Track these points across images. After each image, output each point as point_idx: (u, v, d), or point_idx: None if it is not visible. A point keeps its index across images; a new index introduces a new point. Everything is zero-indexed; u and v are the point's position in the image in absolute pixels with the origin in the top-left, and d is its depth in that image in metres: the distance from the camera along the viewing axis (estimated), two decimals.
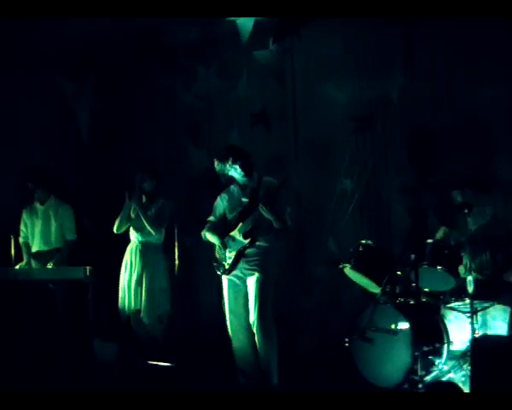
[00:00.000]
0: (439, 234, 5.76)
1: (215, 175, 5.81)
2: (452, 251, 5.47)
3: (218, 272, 5.54)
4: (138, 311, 6.10)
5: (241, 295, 5.48)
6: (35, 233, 6.42)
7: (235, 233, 5.43)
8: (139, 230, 6.13)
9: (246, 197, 5.47)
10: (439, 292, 5.60)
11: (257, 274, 5.38)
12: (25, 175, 6.33)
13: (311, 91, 6.64)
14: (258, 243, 5.39)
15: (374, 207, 6.45)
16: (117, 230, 6.13)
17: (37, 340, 5.63)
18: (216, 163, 5.48)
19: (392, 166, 6.39)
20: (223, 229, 5.50)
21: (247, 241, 5.36)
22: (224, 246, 5.45)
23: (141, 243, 6.13)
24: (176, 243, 6.04)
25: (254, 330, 5.38)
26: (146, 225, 6.05)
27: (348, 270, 5.71)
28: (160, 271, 6.17)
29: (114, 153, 6.97)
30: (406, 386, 5.28)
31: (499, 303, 5.41)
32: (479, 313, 5.34)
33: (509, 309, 5.38)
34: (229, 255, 5.46)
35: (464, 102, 6.04)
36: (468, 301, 5.36)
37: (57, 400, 4.76)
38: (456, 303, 5.52)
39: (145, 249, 6.12)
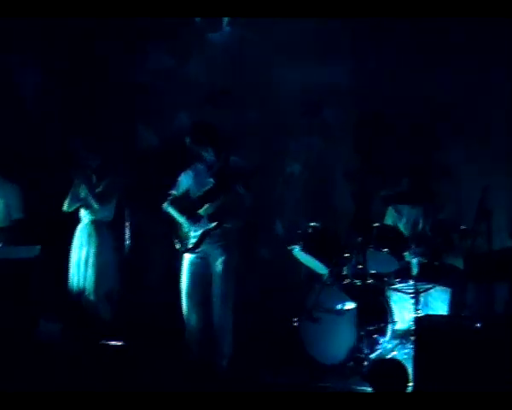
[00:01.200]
0: (388, 219, 5.97)
1: (163, 153, 5.79)
2: (397, 234, 5.73)
3: (179, 249, 5.54)
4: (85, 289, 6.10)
5: (198, 273, 5.51)
6: None
7: (202, 212, 5.44)
8: (88, 208, 6.08)
9: (212, 177, 5.46)
10: (384, 274, 5.84)
11: (223, 256, 5.43)
12: None
13: (262, 73, 6.70)
14: (223, 225, 5.42)
15: (320, 190, 6.60)
16: (67, 208, 6.08)
17: None
18: (188, 141, 5.44)
19: (338, 151, 6.55)
20: (187, 206, 5.50)
21: (213, 224, 5.40)
22: (194, 224, 5.42)
23: (90, 221, 6.09)
24: (126, 223, 6.02)
25: (214, 304, 5.44)
26: (92, 202, 6.04)
27: (297, 251, 5.85)
28: (107, 248, 6.12)
29: (61, 128, 6.82)
30: (351, 364, 5.51)
31: (440, 285, 5.70)
32: (421, 294, 5.61)
33: (449, 290, 5.66)
34: (194, 234, 5.46)
35: (413, 88, 6.24)
36: (411, 282, 5.64)
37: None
38: (400, 285, 5.78)
39: (93, 227, 6.07)
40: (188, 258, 5.55)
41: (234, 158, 5.49)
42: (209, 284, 5.50)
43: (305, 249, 5.77)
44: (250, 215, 5.52)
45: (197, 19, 6.29)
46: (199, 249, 5.47)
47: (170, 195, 5.63)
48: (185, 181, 5.61)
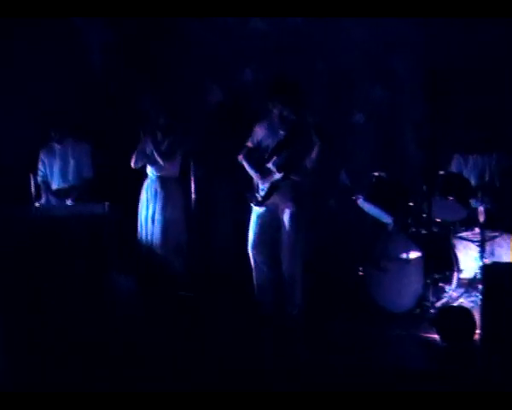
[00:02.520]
0: (454, 167, 5.92)
1: (230, 110, 5.78)
2: (464, 182, 5.65)
3: (251, 204, 5.63)
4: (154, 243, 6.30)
5: (266, 226, 5.59)
6: (54, 172, 6.50)
7: (270, 165, 5.50)
8: (154, 164, 6.24)
9: (284, 130, 5.50)
10: (450, 222, 5.81)
11: (293, 208, 5.50)
12: (47, 123, 6.41)
13: (328, 26, 6.60)
14: (292, 178, 5.47)
15: (385, 139, 6.53)
16: (134, 164, 6.23)
17: (57, 274, 5.79)
18: (265, 93, 5.51)
19: (404, 99, 6.46)
20: (258, 159, 5.56)
21: (280, 175, 5.45)
22: (262, 177, 5.50)
23: (156, 177, 6.25)
24: (192, 177, 6.15)
25: (283, 256, 5.53)
26: (158, 159, 6.18)
27: (362, 201, 5.87)
28: (173, 203, 6.26)
29: (128, 87, 6.92)
30: (418, 311, 5.57)
31: (507, 232, 5.64)
32: (487, 242, 5.57)
33: None
34: (263, 187, 5.54)
35: (479, 42, 6.07)
36: (477, 230, 5.60)
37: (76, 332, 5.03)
38: (466, 233, 5.75)
39: (160, 183, 6.23)
40: (256, 211, 5.62)
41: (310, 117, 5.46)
42: (276, 237, 5.56)
43: (370, 199, 5.80)
44: (319, 168, 5.53)
45: None
46: (268, 202, 5.54)
47: (245, 147, 5.68)
48: (260, 132, 5.64)
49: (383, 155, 6.40)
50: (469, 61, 6.03)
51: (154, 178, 6.27)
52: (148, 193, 6.28)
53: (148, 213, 6.26)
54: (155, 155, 6.17)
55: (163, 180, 6.25)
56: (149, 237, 6.26)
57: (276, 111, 5.49)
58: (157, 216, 6.23)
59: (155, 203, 6.25)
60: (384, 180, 5.81)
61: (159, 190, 6.24)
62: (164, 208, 6.23)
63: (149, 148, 6.21)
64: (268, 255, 5.61)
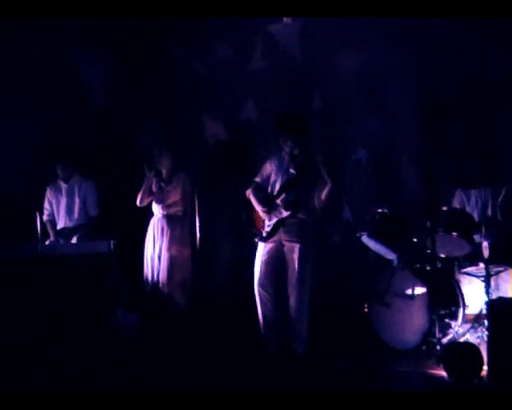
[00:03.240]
0: (456, 202, 5.94)
1: (230, 147, 5.83)
2: (467, 217, 5.66)
3: (256, 239, 5.62)
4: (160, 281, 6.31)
5: (272, 262, 5.55)
6: (60, 210, 6.57)
7: (278, 203, 5.50)
8: (160, 202, 6.31)
9: (294, 168, 5.49)
10: (454, 257, 5.80)
11: (298, 246, 5.46)
12: (52, 159, 6.51)
13: (322, 61, 6.68)
14: (298, 216, 5.47)
15: (387, 175, 6.56)
16: (140, 203, 6.31)
17: (63, 313, 5.80)
18: (273, 129, 5.54)
19: (404, 135, 6.50)
20: (266, 195, 5.58)
21: (287, 213, 5.45)
22: (268, 214, 5.51)
23: (162, 215, 6.30)
24: (196, 215, 6.18)
25: (290, 293, 5.48)
26: (166, 198, 6.24)
27: (366, 238, 5.88)
28: (179, 241, 6.32)
29: (130, 124, 7.05)
30: (424, 348, 5.52)
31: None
32: (492, 277, 5.54)
33: None
34: (269, 223, 5.54)
35: (472, 71, 6.13)
36: (481, 265, 5.58)
37: (81, 370, 5.01)
38: (471, 268, 5.73)
39: (166, 221, 6.30)
40: (262, 247, 5.61)
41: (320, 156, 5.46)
42: (283, 273, 5.54)
43: (374, 236, 5.80)
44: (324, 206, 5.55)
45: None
46: (273, 239, 5.54)
47: (253, 182, 5.70)
48: (269, 168, 5.66)
49: (386, 192, 6.42)
50: (467, 91, 6.09)
51: (160, 216, 6.31)
52: (155, 231, 6.34)
53: (155, 250, 6.32)
54: (161, 193, 6.23)
55: (169, 218, 6.31)
56: (155, 275, 6.30)
57: (286, 148, 5.51)
58: (163, 254, 6.28)
59: (162, 241, 6.29)
60: (387, 216, 5.82)
61: (165, 227, 6.30)
62: (170, 246, 6.28)
63: (155, 186, 6.27)
64: (274, 291, 5.57)
